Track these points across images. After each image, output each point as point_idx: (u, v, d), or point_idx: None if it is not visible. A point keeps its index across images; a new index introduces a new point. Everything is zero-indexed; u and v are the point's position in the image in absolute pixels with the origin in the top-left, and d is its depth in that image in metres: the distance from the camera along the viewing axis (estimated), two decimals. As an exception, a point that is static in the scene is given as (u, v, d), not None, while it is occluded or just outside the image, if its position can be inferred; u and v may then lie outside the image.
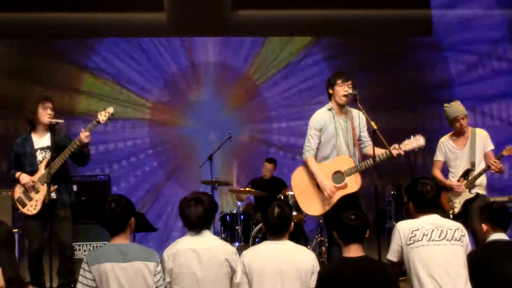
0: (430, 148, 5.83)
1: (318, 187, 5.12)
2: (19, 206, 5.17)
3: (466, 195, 5.65)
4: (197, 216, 3.63)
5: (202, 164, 7.49)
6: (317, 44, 9.20)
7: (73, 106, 8.62)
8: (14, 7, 8.44)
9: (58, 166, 5.07)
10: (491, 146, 5.75)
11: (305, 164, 5.19)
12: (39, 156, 5.18)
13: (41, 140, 5.20)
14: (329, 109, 5.17)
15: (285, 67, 9.12)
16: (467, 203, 5.63)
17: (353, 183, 5.02)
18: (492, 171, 5.64)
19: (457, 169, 5.78)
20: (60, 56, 8.73)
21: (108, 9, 8.66)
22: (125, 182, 8.68)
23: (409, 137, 4.98)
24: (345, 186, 5.02)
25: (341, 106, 5.15)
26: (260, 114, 9.10)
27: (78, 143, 5.09)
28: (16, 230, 6.38)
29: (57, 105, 5.50)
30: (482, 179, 5.70)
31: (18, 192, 5.18)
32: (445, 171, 5.95)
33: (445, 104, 5.83)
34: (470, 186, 5.66)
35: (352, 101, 5.11)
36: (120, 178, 8.63)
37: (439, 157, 5.88)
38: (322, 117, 5.16)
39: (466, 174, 5.69)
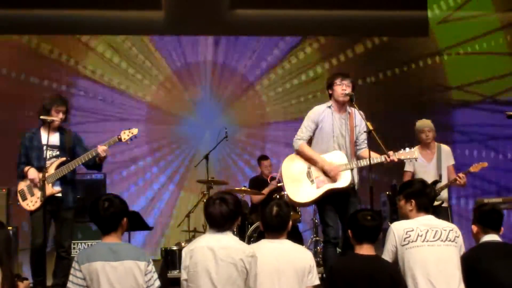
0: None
1: (307, 175, 5.09)
2: (20, 199, 5.15)
3: None
4: (221, 214, 3.61)
5: (198, 163, 7.47)
6: (314, 44, 9.19)
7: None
8: (12, 4, 8.44)
9: (67, 171, 5.08)
10: (452, 161, 6.18)
11: (297, 152, 5.18)
12: (46, 153, 5.11)
13: (50, 138, 5.11)
14: (329, 107, 5.16)
15: (282, 66, 9.12)
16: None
17: (344, 179, 5.00)
18: (457, 184, 6.05)
19: None
20: (55, 53, 8.71)
21: (105, 7, 8.64)
22: (120, 181, 8.66)
23: (404, 148, 5.06)
24: (335, 180, 5.01)
25: (340, 105, 5.14)
26: (257, 113, 9.09)
27: (94, 155, 5.10)
28: (10, 227, 6.39)
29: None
30: (444, 192, 6.05)
31: (22, 184, 5.17)
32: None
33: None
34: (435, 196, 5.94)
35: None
36: (115, 176, 8.61)
37: (408, 167, 6.10)
38: (321, 112, 5.15)
39: (434, 184, 5.90)
